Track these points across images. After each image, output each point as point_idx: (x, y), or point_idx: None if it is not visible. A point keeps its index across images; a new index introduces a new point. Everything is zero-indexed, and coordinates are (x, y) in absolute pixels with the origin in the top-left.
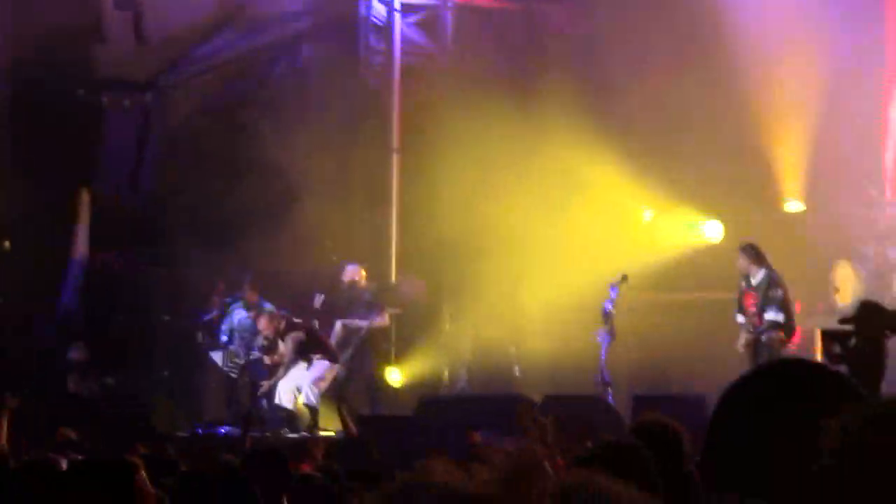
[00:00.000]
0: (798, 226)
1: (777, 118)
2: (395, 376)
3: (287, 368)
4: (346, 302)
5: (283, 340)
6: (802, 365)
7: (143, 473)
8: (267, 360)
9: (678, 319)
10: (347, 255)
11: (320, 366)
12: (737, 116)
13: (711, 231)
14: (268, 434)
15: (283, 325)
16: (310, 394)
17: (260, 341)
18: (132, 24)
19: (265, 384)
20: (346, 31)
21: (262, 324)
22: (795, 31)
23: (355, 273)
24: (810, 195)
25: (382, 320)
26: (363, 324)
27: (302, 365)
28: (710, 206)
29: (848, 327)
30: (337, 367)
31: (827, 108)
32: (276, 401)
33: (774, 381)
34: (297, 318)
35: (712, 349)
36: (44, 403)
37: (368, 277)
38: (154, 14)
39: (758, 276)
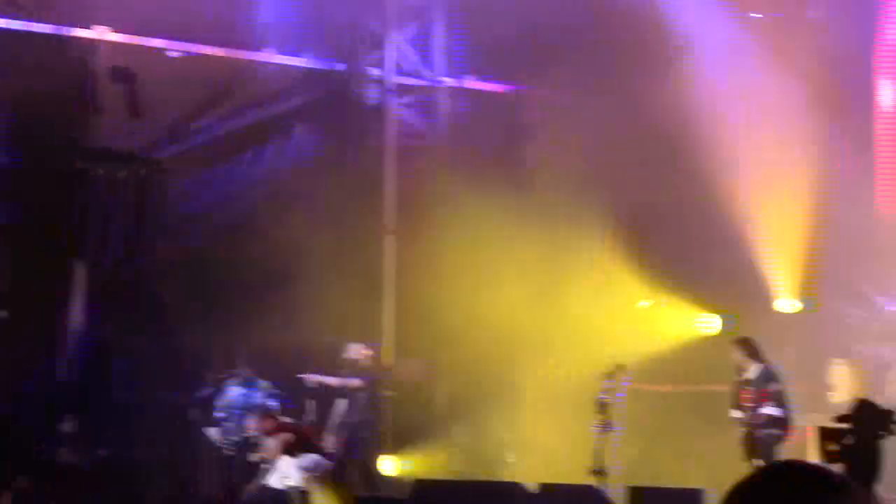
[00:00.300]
0: (794, 323)
1: (772, 215)
2: (387, 466)
3: (273, 467)
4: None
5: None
6: (806, 469)
7: None
8: (254, 457)
9: (675, 411)
10: (342, 336)
11: (311, 458)
12: (731, 211)
13: (709, 324)
14: None
15: (271, 425)
16: (298, 480)
17: (256, 417)
18: (127, 96)
19: (251, 485)
20: (339, 110)
21: (252, 424)
22: (789, 129)
23: (360, 352)
24: (806, 293)
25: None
26: (335, 381)
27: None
28: (706, 300)
29: (844, 425)
30: (328, 464)
31: (822, 206)
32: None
33: (778, 485)
34: (288, 411)
35: (709, 443)
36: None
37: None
38: (149, 88)
39: (753, 371)
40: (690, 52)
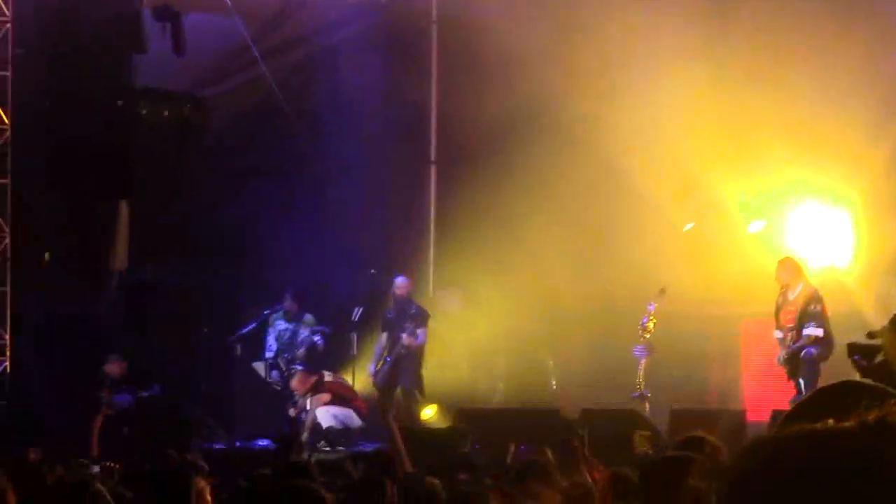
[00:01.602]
0: None
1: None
2: (428, 413)
3: (308, 429)
4: (394, 315)
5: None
6: (863, 387)
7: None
8: (291, 412)
9: (717, 333)
10: (385, 268)
11: (345, 413)
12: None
13: (755, 227)
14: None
15: (313, 385)
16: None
17: (301, 353)
18: (170, 34)
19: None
20: (384, 40)
21: (295, 382)
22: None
23: (406, 286)
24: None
25: (424, 338)
26: (412, 342)
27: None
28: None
29: (876, 341)
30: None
31: None
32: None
33: (836, 399)
34: (337, 331)
35: (751, 364)
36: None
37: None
38: (193, 25)
39: (796, 290)
40: None
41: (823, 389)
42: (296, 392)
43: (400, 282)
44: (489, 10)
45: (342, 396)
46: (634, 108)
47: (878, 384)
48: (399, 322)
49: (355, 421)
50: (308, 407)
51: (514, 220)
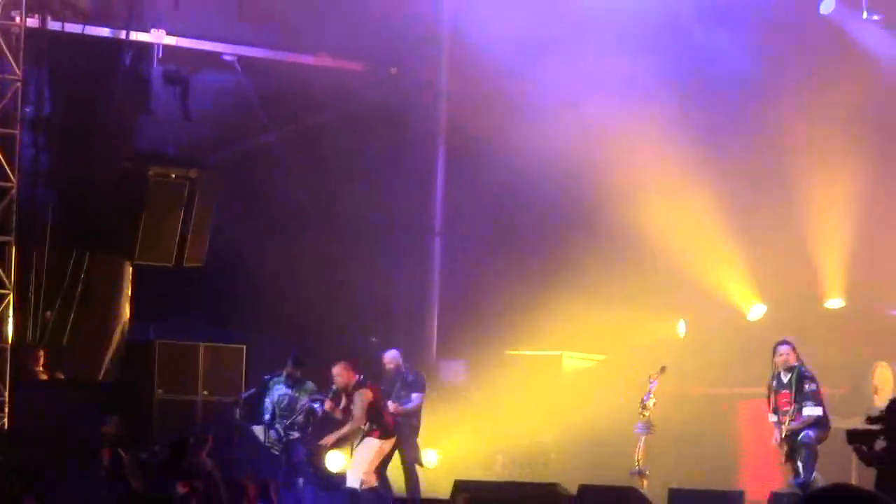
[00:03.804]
0: (839, 323)
1: (820, 212)
2: (431, 458)
3: (350, 429)
4: (389, 385)
5: (349, 395)
6: (855, 494)
7: None
8: (328, 405)
9: (716, 413)
10: (387, 336)
11: (370, 444)
12: (780, 207)
13: (754, 312)
14: None
15: (356, 377)
16: (356, 479)
17: (300, 418)
18: (179, 99)
19: (329, 438)
20: (391, 113)
21: (338, 369)
22: (839, 130)
23: (396, 359)
24: (851, 293)
25: (419, 402)
26: (407, 407)
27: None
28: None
29: (875, 427)
30: (386, 444)
31: (869, 206)
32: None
33: None
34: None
35: (750, 445)
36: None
37: (408, 358)
38: (201, 91)
39: (790, 372)
40: None
41: (814, 498)
42: (336, 381)
43: (387, 357)
44: (499, 83)
45: (381, 401)
46: (638, 204)
47: (868, 491)
48: (393, 394)
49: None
50: (347, 403)
51: (518, 292)
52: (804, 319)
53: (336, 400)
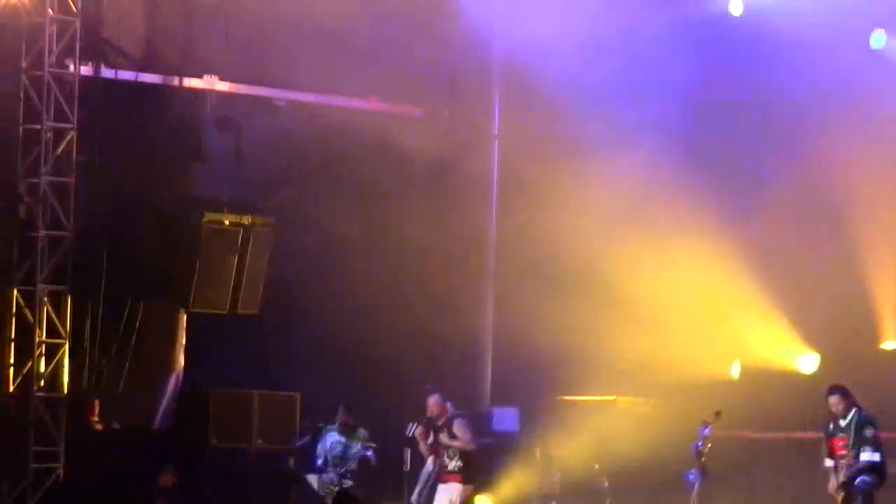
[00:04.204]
0: (894, 366)
1: (880, 252)
2: None
3: (461, 446)
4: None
5: (441, 429)
6: None
7: None
8: (419, 431)
9: (769, 458)
10: (440, 382)
11: (455, 489)
12: (839, 247)
13: (807, 363)
14: None
15: (448, 410)
16: None
17: (353, 466)
18: (233, 145)
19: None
20: (442, 157)
21: (431, 402)
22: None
23: (436, 404)
24: None
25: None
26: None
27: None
28: (807, 338)
29: None
30: (468, 489)
31: None
32: None
33: None
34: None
35: (804, 491)
36: None
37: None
38: (253, 135)
39: (847, 417)
40: None
41: None
42: (430, 413)
43: (430, 402)
44: (551, 126)
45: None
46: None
47: None
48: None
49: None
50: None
51: (574, 335)
52: (860, 362)
53: (427, 429)
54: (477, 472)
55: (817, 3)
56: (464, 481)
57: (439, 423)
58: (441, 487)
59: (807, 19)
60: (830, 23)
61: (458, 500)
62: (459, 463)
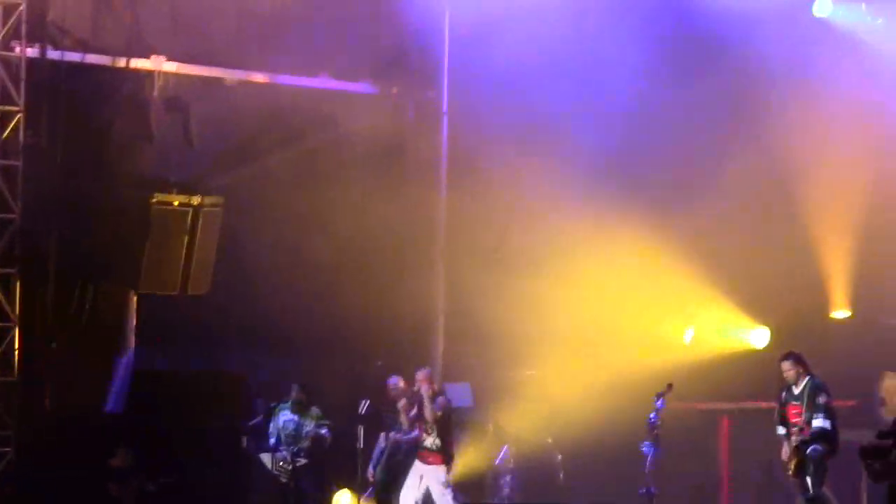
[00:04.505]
0: (844, 335)
1: (825, 223)
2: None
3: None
4: (391, 413)
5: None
6: None
7: None
8: (402, 404)
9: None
10: (391, 359)
11: (440, 470)
12: (784, 221)
13: (758, 338)
14: None
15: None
16: None
17: (306, 444)
18: (181, 125)
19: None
20: (392, 134)
21: (421, 375)
22: (852, 138)
23: (395, 386)
24: (857, 305)
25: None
26: (407, 438)
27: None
28: (756, 313)
29: (887, 442)
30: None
31: (875, 214)
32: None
33: None
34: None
35: (756, 460)
36: None
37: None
38: (202, 116)
39: (800, 385)
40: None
41: None
42: (419, 387)
43: (390, 383)
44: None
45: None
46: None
47: None
48: (398, 421)
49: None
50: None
51: (524, 312)
52: (811, 333)
53: (411, 401)
54: (452, 450)
55: None
56: (444, 461)
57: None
58: (420, 466)
59: None
60: None
61: (445, 480)
62: (437, 441)
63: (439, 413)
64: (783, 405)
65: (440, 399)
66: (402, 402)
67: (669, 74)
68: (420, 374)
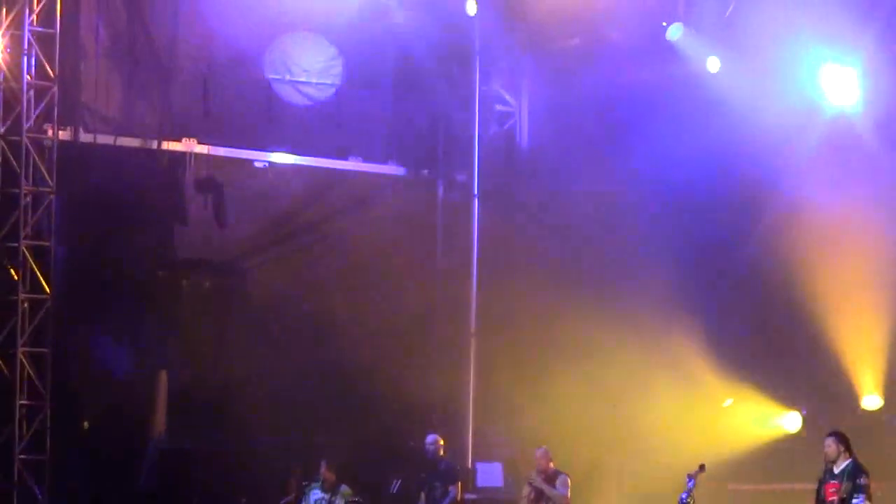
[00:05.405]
0: (876, 421)
1: (854, 311)
2: None
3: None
4: (426, 474)
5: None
6: None
7: None
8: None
9: None
10: (424, 439)
11: None
12: (812, 310)
13: (790, 422)
14: None
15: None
16: None
17: None
18: (213, 206)
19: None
20: (424, 215)
21: (539, 454)
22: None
23: (435, 442)
24: (889, 390)
25: (455, 493)
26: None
27: None
28: (788, 399)
29: None
30: None
31: None
32: None
33: None
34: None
35: None
36: None
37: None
38: (234, 197)
39: (841, 465)
40: None
41: None
42: (538, 467)
43: (429, 440)
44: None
45: None
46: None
47: None
48: (431, 480)
49: None
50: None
51: (554, 396)
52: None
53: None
54: None
55: None
56: None
57: (545, 474)
58: None
59: None
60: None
61: None
62: None
63: (555, 493)
64: (822, 484)
65: (562, 477)
66: (539, 479)
67: None
68: (539, 453)
